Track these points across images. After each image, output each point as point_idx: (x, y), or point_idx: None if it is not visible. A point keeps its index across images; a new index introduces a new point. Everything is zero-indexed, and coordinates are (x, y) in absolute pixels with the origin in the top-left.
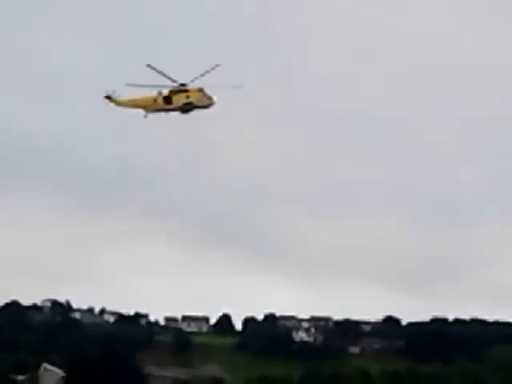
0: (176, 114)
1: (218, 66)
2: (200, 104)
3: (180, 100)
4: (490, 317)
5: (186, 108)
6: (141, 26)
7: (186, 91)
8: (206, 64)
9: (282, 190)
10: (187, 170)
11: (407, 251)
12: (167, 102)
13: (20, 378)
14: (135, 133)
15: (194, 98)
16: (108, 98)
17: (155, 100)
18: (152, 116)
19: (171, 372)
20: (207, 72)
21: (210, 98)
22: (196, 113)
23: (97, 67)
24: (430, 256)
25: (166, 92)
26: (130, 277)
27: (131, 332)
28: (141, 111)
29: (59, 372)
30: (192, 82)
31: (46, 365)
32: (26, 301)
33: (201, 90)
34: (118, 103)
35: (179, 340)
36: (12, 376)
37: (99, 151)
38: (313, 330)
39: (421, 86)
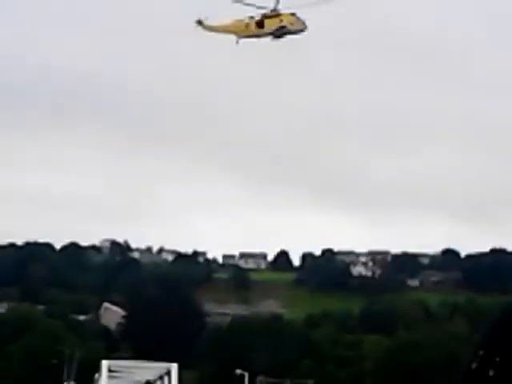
0: (267, 39)
1: None
2: (293, 28)
3: (273, 25)
4: None
5: (279, 33)
6: None
7: (279, 15)
8: None
9: (339, 124)
10: (246, 106)
11: (465, 181)
12: (260, 27)
13: (81, 317)
14: (198, 68)
15: (287, 21)
16: (199, 22)
17: (247, 25)
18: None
19: (230, 309)
20: None
21: (303, 23)
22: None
23: None
24: (487, 186)
25: (258, 17)
26: (187, 215)
27: (190, 270)
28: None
29: (120, 311)
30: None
31: (106, 304)
32: (84, 241)
33: (294, 14)
34: (209, 28)
35: (237, 277)
36: (73, 316)
37: (161, 86)
38: (371, 264)
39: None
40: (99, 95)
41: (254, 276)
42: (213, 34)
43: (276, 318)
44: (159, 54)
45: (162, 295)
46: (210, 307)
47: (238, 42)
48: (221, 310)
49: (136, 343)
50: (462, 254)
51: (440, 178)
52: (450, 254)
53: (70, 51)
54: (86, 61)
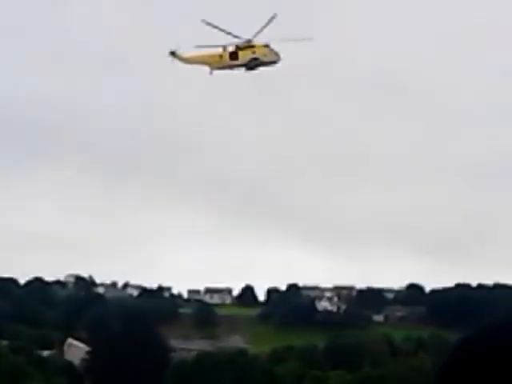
0: (241, 71)
1: (275, 16)
2: (267, 60)
3: (246, 56)
4: None
5: (253, 64)
6: None
7: (252, 47)
8: (264, 16)
9: (303, 155)
10: (211, 140)
11: (430, 217)
12: (233, 58)
13: (45, 353)
14: (164, 98)
15: (260, 53)
16: (172, 54)
17: (221, 56)
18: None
19: (195, 344)
20: (266, 25)
21: (276, 54)
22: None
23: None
24: (452, 222)
25: (231, 48)
26: (152, 250)
27: (155, 305)
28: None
29: (84, 347)
30: (255, 36)
31: (70, 340)
32: (49, 277)
33: (267, 46)
34: (183, 59)
35: (203, 312)
36: (37, 351)
37: (134, 121)
38: (336, 299)
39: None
40: (71, 131)
41: (219, 311)
42: (187, 65)
43: (242, 354)
44: (135, 89)
45: (127, 330)
46: (175, 342)
47: (211, 73)
48: (186, 346)
49: (100, 379)
50: (427, 289)
51: (404, 214)
52: (414, 289)
53: (49, 87)
54: (51, 97)
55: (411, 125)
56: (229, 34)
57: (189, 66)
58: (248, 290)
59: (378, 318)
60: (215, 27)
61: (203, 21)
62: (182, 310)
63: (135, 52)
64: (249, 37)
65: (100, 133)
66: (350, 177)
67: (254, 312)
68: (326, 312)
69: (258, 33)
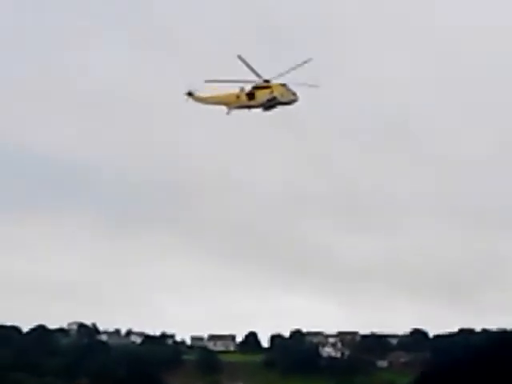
0: (258, 111)
1: (309, 60)
2: (284, 100)
3: (264, 96)
4: None
5: (270, 104)
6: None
7: (269, 87)
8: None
9: (305, 204)
10: (212, 188)
11: (432, 264)
12: (250, 98)
13: None
14: (158, 144)
15: (277, 93)
16: (189, 94)
17: (238, 96)
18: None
19: None
20: (297, 66)
21: (294, 94)
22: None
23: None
24: (455, 268)
25: (248, 88)
26: (155, 297)
27: (158, 352)
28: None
29: None
30: (279, 77)
31: None
32: (52, 324)
33: (284, 85)
34: (200, 99)
35: (206, 359)
36: None
37: (134, 170)
38: (340, 345)
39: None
40: (74, 180)
41: (222, 358)
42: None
43: None
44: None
45: (131, 378)
46: None
47: (228, 113)
48: None
49: None
50: (430, 335)
51: (407, 260)
52: (418, 334)
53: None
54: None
55: (414, 170)
56: (256, 73)
57: (206, 106)
58: (251, 337)
59: (382, 363)
60: (247, 65)
61: (239, 56)
62: (185, 357)
63: (147, 95)
64: (268, 77)
65: (105, 182)
66: (350, 223)
67: (257, 358)
68: (330, 358)
69: (285, 73)
